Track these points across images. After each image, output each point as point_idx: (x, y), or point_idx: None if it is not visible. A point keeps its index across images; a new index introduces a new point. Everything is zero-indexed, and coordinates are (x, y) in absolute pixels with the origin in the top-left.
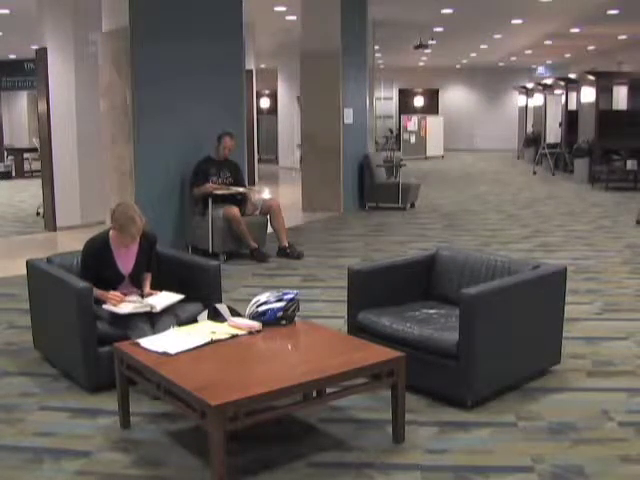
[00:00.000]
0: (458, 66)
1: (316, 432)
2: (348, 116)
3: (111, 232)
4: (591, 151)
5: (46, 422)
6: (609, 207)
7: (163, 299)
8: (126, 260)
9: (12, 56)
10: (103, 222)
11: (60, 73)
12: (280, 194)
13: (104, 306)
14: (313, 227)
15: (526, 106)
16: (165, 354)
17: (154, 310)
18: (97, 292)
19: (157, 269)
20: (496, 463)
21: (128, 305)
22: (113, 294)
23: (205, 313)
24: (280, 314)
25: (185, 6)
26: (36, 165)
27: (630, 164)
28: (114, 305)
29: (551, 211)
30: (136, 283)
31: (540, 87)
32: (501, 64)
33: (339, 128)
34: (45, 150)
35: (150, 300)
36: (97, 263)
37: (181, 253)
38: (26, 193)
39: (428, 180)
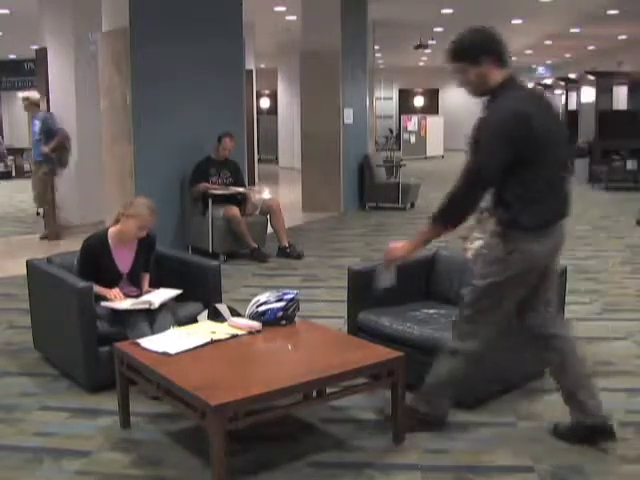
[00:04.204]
0: None
1: (316, 432)
2: (348, 116)
3: (110, 230)
4: (591, 151)
5: (46, 422)
6: (609, 207)
7: (161, 295)
8: (124, 259)
9: (12, 56)
10: (103, 222)
11: (60, 73)
12: (280, 194)
13: (102, 303)
14: (313, 227)
15: None
16: (165, 354)
17: (152, 307)
18: (97, 288)
19: (155, 270)
20: (496, 463)
21: (126, 301)
22: (115, 292)
23: (205, 313)
24: (280, 314)
25: (185, 6)
26: None
27: (630, 164)
28: (113, 301)
29: None
30: (134, 282)
31: (540, 87)
32: None
33: (339, 128)
34: None
35: (148, 297)
36: (95, 261)
37: (181, 253)
38: (26, 193)
39: (428, 180)
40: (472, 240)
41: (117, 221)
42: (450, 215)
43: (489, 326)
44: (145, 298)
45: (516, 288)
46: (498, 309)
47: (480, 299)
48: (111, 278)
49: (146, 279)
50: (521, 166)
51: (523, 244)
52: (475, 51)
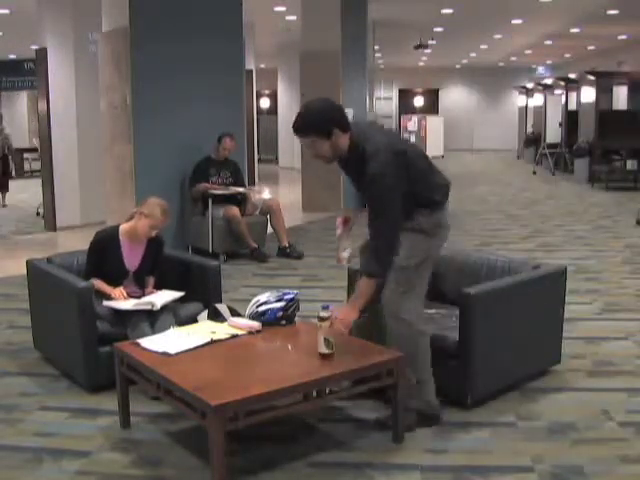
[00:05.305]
0: (458, 66)
1: (316, 432)
2: (348, 116)
3: (122, 227)
4: (591, 151)
5: (46, 422)
6: (609, 207)
7: (163, 296)
8: (133, 257)
9: (12, 56)
10: (103, 222)
11: (60, 73)
12: (280, 194)
13: (105, 302)
14: (313, 227)
15: (526, 106)
16: (165, 354)
17: (154, 308)
18: (101, 286)
19: (160, 273)
20: (496, 463)
21: (129, 301)
22: (118, 291)
23: (205, 313)
24: (280, 314)
25: (185, 6)
26: (36, 165)
27: (630, 164)
28: (116, 300)
29: (551, 211)
30: (139, 282)
31: (540, 87)
32: (501, 64)
33: None
34: (45, 150)
35: (150, 298)
36: (103, 255)
37: (181, 253)
38: (26, 193)
39: None
40: (344, 247)
41: (131, 218)
42: (387, 262)
43: (419, 300)
44: (147, 299)
45: (433, 260)
46: (423, 282)
47: (412, 276)
48: (117, 275)
49: (151, 282)
50: (413, 178)
51: (441, 217)
52: (326, 125)
